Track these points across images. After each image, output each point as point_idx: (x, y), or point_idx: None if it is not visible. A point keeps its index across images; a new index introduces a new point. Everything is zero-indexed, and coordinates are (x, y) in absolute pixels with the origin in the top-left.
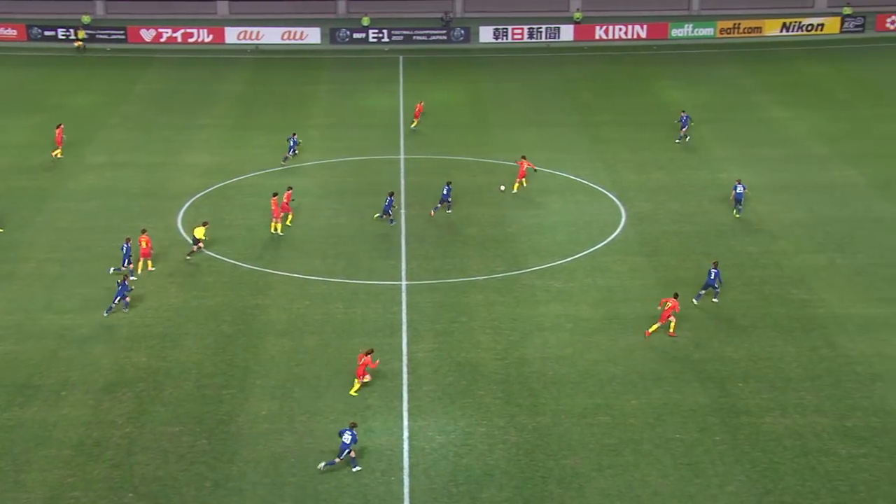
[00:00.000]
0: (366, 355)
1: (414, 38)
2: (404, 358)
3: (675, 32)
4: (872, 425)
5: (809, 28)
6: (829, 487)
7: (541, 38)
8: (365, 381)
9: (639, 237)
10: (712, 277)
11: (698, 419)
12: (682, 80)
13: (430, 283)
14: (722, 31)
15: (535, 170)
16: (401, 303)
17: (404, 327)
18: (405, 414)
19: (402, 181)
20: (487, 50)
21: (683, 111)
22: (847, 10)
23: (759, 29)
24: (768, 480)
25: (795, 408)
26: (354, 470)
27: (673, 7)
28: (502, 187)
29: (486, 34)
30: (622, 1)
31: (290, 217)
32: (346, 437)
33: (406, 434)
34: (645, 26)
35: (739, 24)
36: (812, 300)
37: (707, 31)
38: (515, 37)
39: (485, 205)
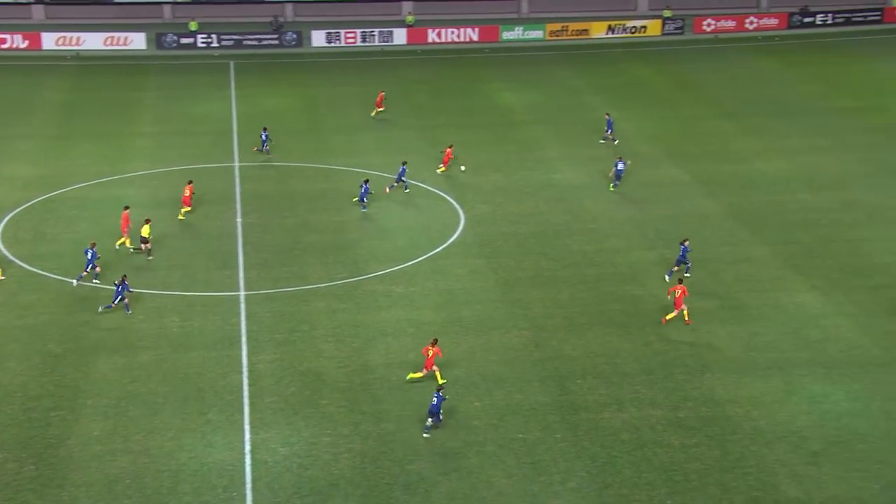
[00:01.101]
0: (432, 346)
1: (244, 42)
2: (244, 370)
3: (506, 35)
4: (702, 415)
5: (633, 30)
6: (665, 478)
7: (374, 41)
8: (434, 370)
9: (478, 239)
10: (682, 254)
11: (539, 418)
12: (515, 82)
13: (270, 293)
14: (551, 33)
15: (462, 169)
16: (239, 314)
17: (244, 338)
18: (247, 427)
19: (238, 189)
20: (321, 54)
21: (607, 114)
22: (667, 13)
23: (586, 31)
24: (607, 474)
25: (632, 402)
26: (425, 435)
27: (503, 10)
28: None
29: (318, 38)
30: (454, 4)
31: (184, 209)
32: (434, 400)
33: (248, 448)
34: (476, 29)
35: (568, 26)
36: (644, 296)
37: (537, 34)
38: (349, 41)
39: (324, 211)
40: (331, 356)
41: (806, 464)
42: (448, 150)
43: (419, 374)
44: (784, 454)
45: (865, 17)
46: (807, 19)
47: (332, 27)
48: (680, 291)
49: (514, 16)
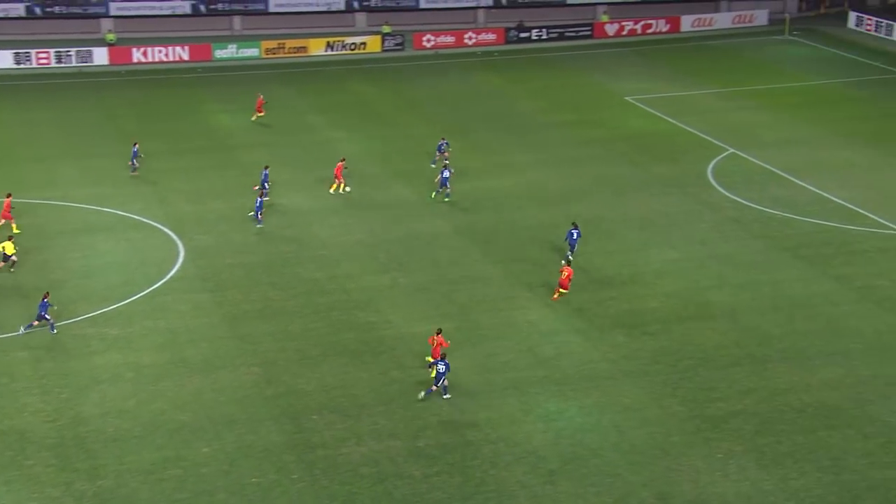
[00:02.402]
0: (437, 335)
1: None
2: None
3: (220, 53)
4: (443, 442)
5: (353, 47)
6: None
7: (71, 62)
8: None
9: (200, 272)
10: (574, 238)
11: (274, 459)
12: (232, 103)
13: None
14: (267, 51)
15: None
16: None
17: None
18: None
19: None
20: (9, 77)
21: (443, 138)
22: (387, 29)
23: (304, 48)
24: None
25: (370, 434)
26: (445, 397)
27: (215, 27)
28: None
29: (4, 59)
30: (160, 21)
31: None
32: (441, 367)
33: None
34: (187, 48)
35: (284, 43)
36: (379, 322)
37: (252, 52)
38: (41, 62)
39: (22, 250)
40: (36, 410)
41: (544, 483)
42: (339, 164)
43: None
44: (523, 475)
45: (577, 32)
46: (523, 34)
47: (21, 46)
48: (567, 273)
49: (227, 33)
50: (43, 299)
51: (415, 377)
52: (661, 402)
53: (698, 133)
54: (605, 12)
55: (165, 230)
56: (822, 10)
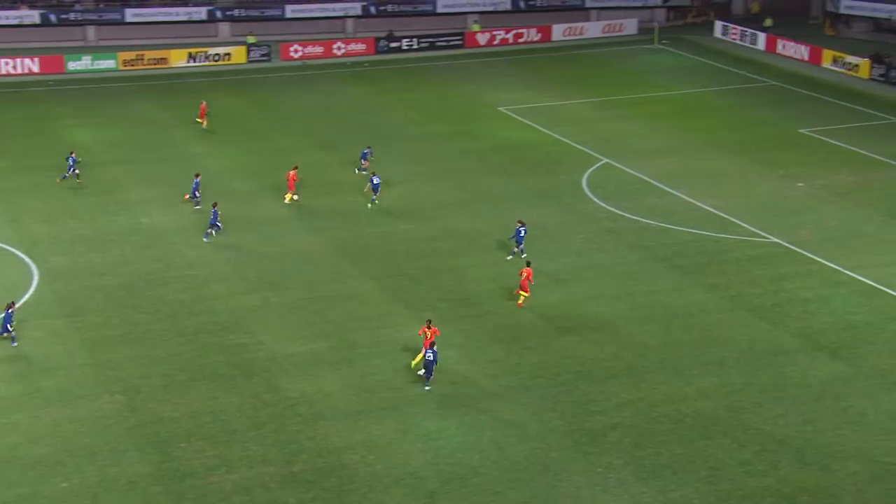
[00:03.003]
0: (428, 328)
1: None
2: None
3: (73, 65)
4: (318, 467)
5: (216, 58)
6: None
7: None
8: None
9: (56, 297)
10: (521, 235)
11: (139, 491)
12: (87, 118)
13: None
14: (125, 62)
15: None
16: None
17: None
18: None
19: None
20: None
21: (368, 146)
22: (252, 39)
23: (164, 60)
24: None
25: (242, 461)
26: (426, 389)
27: (67, 38)
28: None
29: None
30: (3, 32)
31: None
32: (429, 355)
33: None
34: (36, 59)
35: (143, 54)
36: (251, 344)
37: (108, 64)
38: None
39: None
40: None
41: None
42: (292, 172)
43: (420, 357)
44: (402, 498)
45: (448, 41)
46: (393, 44)
47: None
48: (525, 274)
49: (81, 44)
50: (7, 310)
51: (290, 399)
52: (541, 418)
53: (572, 143)
54: (475, 21)
55: (17, 252)
56: (690, 20)
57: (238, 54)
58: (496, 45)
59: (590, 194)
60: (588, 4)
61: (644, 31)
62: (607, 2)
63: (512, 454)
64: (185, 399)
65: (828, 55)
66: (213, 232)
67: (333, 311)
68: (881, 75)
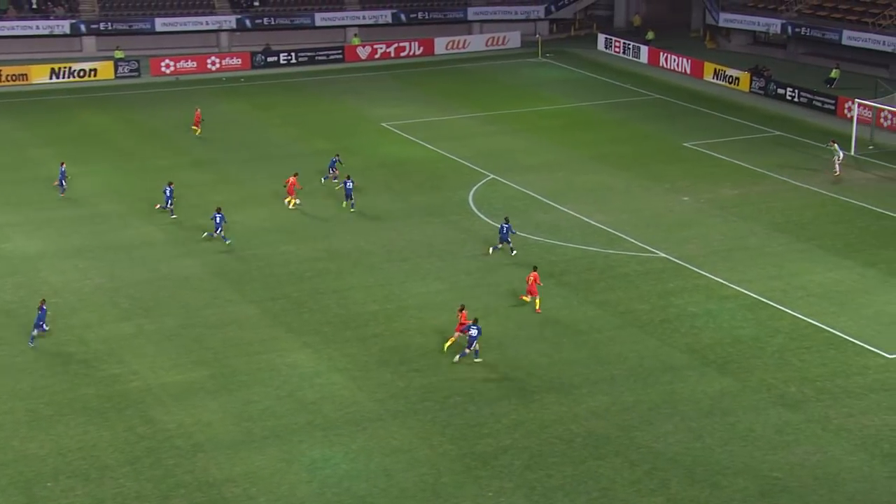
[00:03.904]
0: (460, 312)
1: None
2: None
3: None
4: (197, 501)
5: (82, 74)
6: None
7: None
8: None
9: None
10: (504, 232)
11: None
12: None
13: None
14: None
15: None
16: None
17: None
18: None
19: None
20: None
21: (337, 154)
22: (119, 54)
23: (24, 76)
24: None
25: (115, 498)
26: (477, 360)
27: None
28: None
29: None
30: None
31: None
32: (473, 331)
33: None
34: None
35: (1, 70)
36: (124, 374)
37: None
38: None
39: None
40: None
41: None
42: (292, 178)
43: (452, 339)
44: None
45: (328, 55)
46: (270, 59)
47: None
48: (532, 278)
49: None
50: (41, 307)
51: (167, 431)
52: (431, 442)
53: (457, 159)
54: (356, 35)
55: None
56: (573, 33)
57: (105, 70)
58: (378, 59)
59: (476, 211)
60: (471, 17)
61: (528, 44)
62: (490, 15)
63: (401, 481)
64: (52, 435)
65: (709, 68)
66: (214, 235)
67: (212, 337)
68: (761, 88)
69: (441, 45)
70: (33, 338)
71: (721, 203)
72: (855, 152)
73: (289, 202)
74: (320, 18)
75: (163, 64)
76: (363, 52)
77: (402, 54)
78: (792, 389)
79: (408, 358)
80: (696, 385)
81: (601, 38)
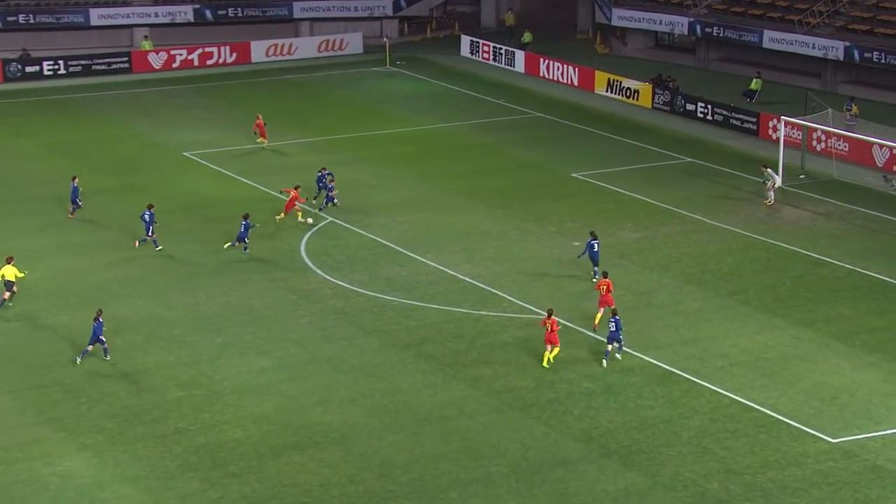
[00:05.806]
0: (548, 318)
1: None
2: None
3: None
4: None
5: None
6: None
7: None
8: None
9: None
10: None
11: None
12: None
13: None
14: None
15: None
16: None
17: None
18: None
19: None
20: None
21: (324, 168)
22: None
23: None
24: None
25: None
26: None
27: None
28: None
29: None
30: None
31: None
32: (612, 325)
33: None
34: None
35: None
36: None
37: None
38: None
39: None
40: None
41: None
42: (294, 191)
43: (553, 351)
44: None
45: (110, 64)
46: (29, 68)
47: None
48: (605, 285)
49: None
50: (97, 318)
51: None
52: None
53: (284, 198)
54: (146, 37)
55: None
56: (430, 34)
57: None
58: (176, 69)
59: (311, 264)
60: (298, 15)
61: (372, 48)
62: (323, 12)
63: None
64: None
65: (601, 79)
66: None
67: None
68: (665, 103)
69: (260, 50)
70: (85, 352)
71: (621, 249)
72: (783, 183)
73: (300, 215)
74: (97, 16)
75: None
76: (156, 60)
77: (209, 62)
78: (714, 486)
79: (221, 459)
80: (595, 483)
81: (465, 40)
